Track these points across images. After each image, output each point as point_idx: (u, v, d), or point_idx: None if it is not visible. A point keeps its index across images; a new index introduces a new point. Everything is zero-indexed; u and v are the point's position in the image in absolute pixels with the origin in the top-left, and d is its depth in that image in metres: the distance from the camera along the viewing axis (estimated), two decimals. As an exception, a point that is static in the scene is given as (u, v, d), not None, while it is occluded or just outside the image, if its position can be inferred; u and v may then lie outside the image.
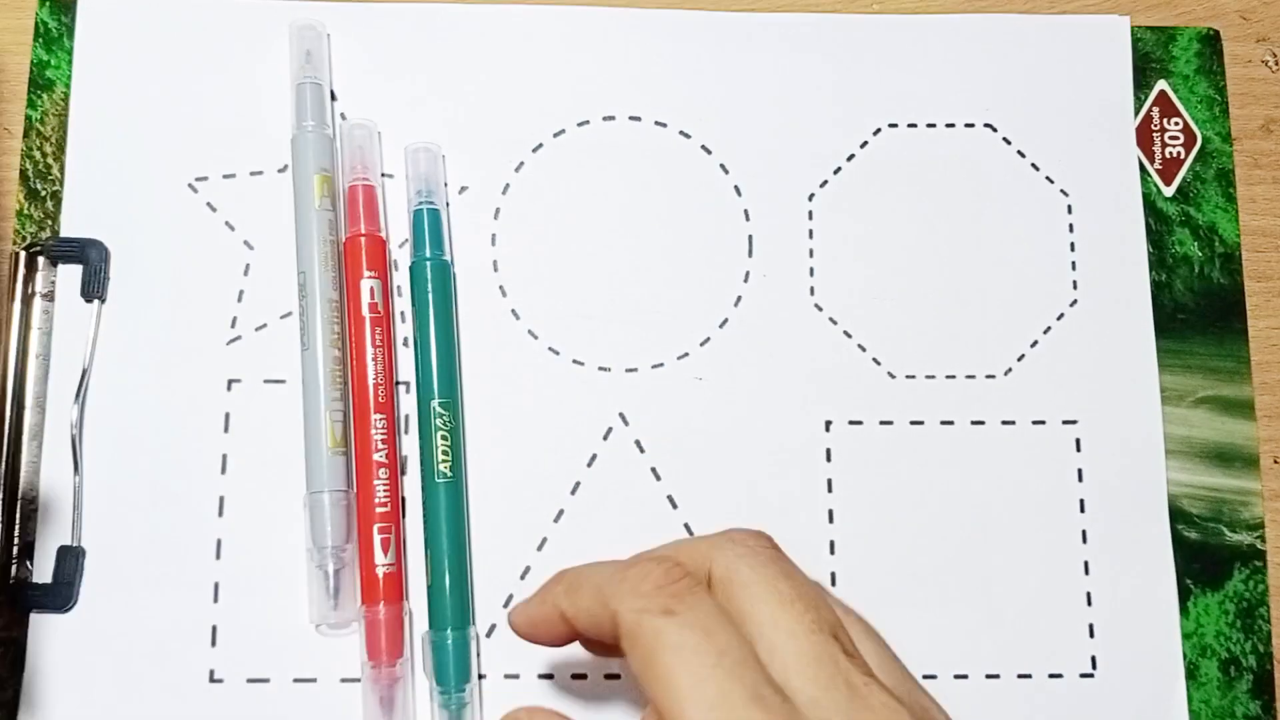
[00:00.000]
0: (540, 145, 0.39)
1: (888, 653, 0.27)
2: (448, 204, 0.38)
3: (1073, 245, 0.39)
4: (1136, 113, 0.40)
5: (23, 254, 0.37)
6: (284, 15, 0.39)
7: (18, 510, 0.35)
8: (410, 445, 0.37)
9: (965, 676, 0.36)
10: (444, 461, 0.35)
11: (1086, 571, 0.37)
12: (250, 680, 0.35)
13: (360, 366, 0.36)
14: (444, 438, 0.35)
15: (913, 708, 0.24)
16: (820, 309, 0.38)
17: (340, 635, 0.35)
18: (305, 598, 0.35)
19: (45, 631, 0.35)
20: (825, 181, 0.39)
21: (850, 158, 0.40)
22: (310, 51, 0.38)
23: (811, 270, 0.39)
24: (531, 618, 0.29)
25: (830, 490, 0.37)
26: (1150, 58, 0.41)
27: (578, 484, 0.37)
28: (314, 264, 0.36)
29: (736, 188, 0.39)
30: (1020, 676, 0.36)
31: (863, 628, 0.27)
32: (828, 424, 0.38)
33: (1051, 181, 0.40)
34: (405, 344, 0.37)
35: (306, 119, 0.37)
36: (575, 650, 0.35)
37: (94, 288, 0.37)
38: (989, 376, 0.38)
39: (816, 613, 0.25)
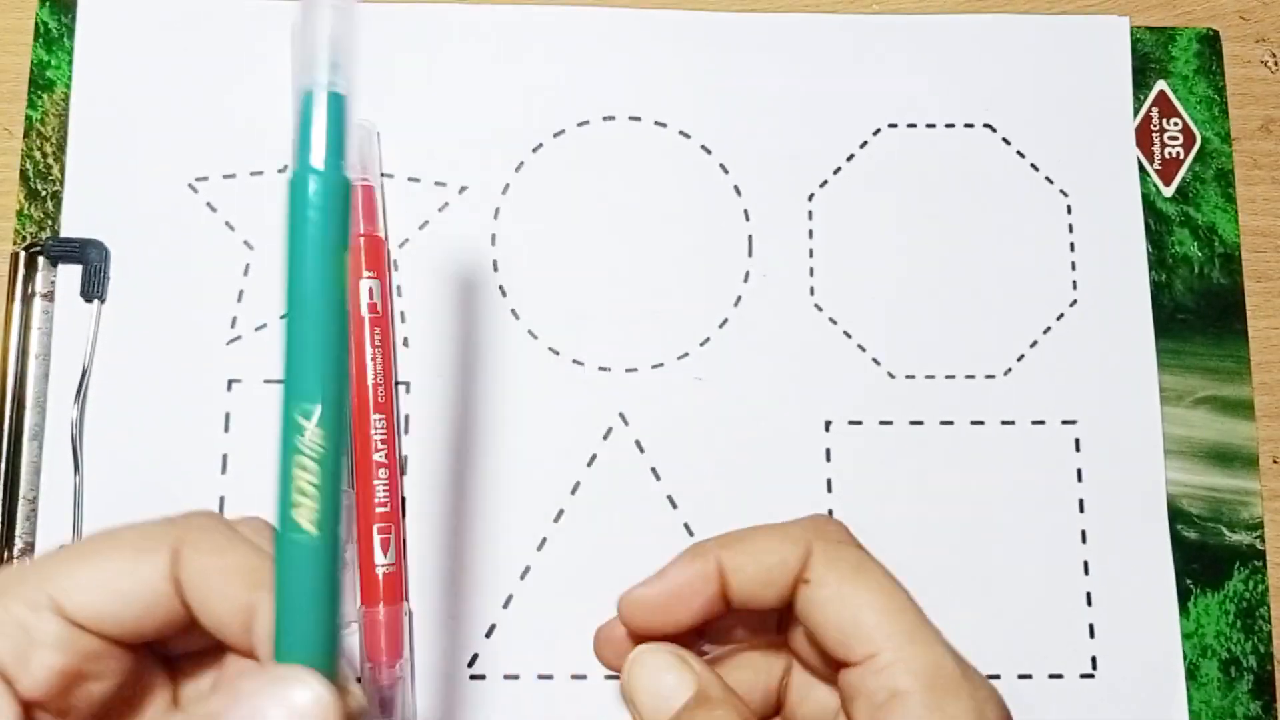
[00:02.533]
0: (540, 145, 0.39)
1: None
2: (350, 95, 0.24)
3: (1072, 245, 0.39)
4: (1136, 113, 0.40)
5: (22, 254, 0.37)
6: (284, 15, 0.39)
7: (18, 510, 0.35)
8: (410, 445, 0.37)
9: (965, 676, 0.36)
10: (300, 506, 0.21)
11: (1086, 572, 0.37)
12: (250, 680, 0.35)
13: (360, 367, 0.35)
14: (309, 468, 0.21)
15: None
16: (820, 309, 0.38)
17: (340, 635, 0.35)
18: (305, 598, 0.35)
19: (45, 631, 0.35)
20: (825, 181, 0.39)
21: (850, 158, 0.40)
22: (311, 51, 0.38)
23: (811, 270, 0.39)
24: (673, 590, 0.26)
25: (830, 490, 0.37)
26: (1150, 58, 0.41)
27: (578, 484, 0.37)
28: None
29: (736, 188, 0.39)
30: (1020, 677, 0.36)
31: None
32: (828, 424, 0.38)
33: (1051, 181, 0.40)
34: (405, 344, 0.37)
35: None
36: (575, 649, 0.35)
37: (94, 288, 0.37)
38: (989, 376, 0.38)
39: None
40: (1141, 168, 0.40)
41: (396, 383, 0.37)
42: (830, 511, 0.37)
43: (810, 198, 0.39)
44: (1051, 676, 0.36)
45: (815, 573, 0.25)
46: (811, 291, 0.39)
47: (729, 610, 0.26)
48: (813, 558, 0.25)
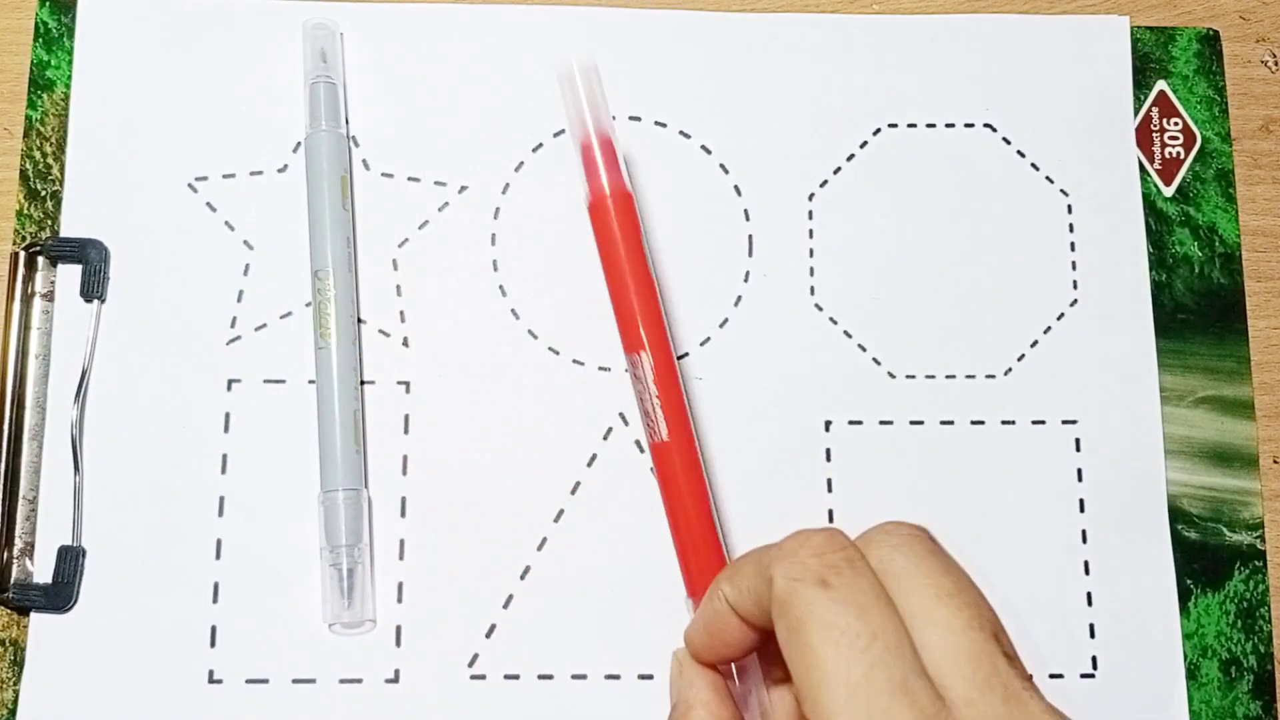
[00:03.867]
0: (540, 145, 0.39)
1: None
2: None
3: (1073, 245, 0.39)
4: (1136, 113, 0.40)
5: (22, 254, 0.37)
6: (283, 15, 0.39)
7: (18, 510, 0.35)
8: (410, 445, 0.37)
9: (965, 676, 0.36)
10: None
11: (1086, 571, 0.37)
12: (249, 681, 0.35)
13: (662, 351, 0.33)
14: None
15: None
16: (820, 309, 0.38)
17: (353, 635, 0.35)
18: (305, 598, 0.35)
19: (45, 631, 0.35)
20: (825, 181, 0.39)
21: (850, 158, 0.40)
22: (325, 50, 0.38)
23: (811, 270, 0.39)
24: (705, 626, 0.27)
25: (830, 490, 0.37)
26: (1150, 58, 0.41)
27: (578, 484, 0.37)
28: (334, 264, 0.36)
29: (736, 188, 0.39)
30: (1020, 676, 0.36)
31: None
32: (828, 424, 0.38)
33: (1051, 181, 0.40)
34: (405, 344, 0.37)
35: (321, 119, 0.37)
36: (575, 649, 0.35)
37: (94, 288, 0.37)
38: (989, 376, 0.38)
39: (976, 610, 0.23)
40: (1142, 168, 0.40)
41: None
42: (830, 512, 0.37)
43: (810, 198, 0.39)
44: (1051, 676, 0.36)
45: (774, 614, 0.24)
46: (811, 291, 0.39)
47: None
48: (773, 595, 0.24)
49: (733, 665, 0.29)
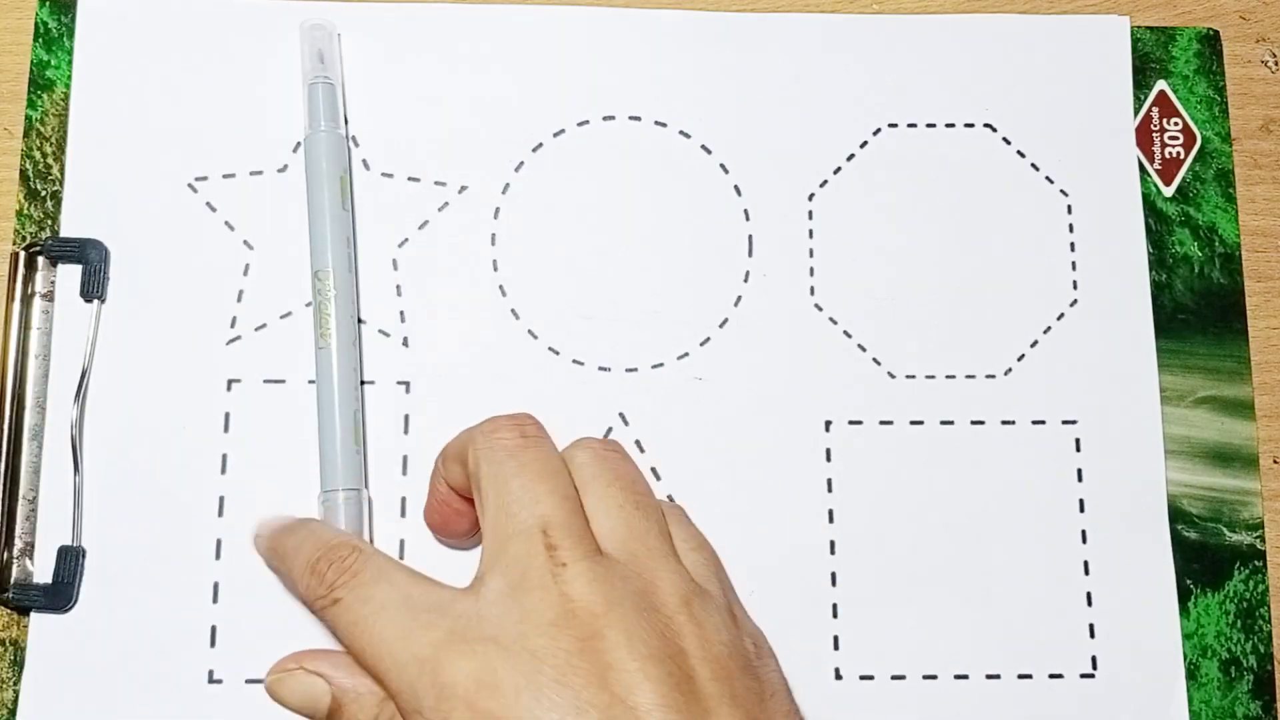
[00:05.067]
0: (540, 145, 0.39)
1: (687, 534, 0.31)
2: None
3: (1073, 245, 0.39)
4: (1136, 113, 0.40)
5: (22, 254, 0.37)
6: (284, 15, 0.39)
7: (18, 510, 0.35)
8: (410, 445, 0.37)
9: (965, 676, 0.36)
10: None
11: (1086, 572, 0.37)
12: (250, 680, 0.35)
13: None
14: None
15: (629, 579, 0.26)
16: (820, 309, 0.38)
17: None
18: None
19: (45, 631, 0.35)
20: (825, 181, 0.39)
21: (850, 158, 0.40)
22: (323, 51, 0.38)
23: (811, 270, 0.39)
24: (437, 507, 0.33)
25: (830, 490, 0.37)
26: (1150, 58, 0.41)
27: (578, 484, 0.37)
28: (334, 264, 0.36)
29: (736, 188, 0.39)
30: (1020, 677, 0.36)
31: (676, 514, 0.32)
32: (828, 424, 0.38)
33: (1051, 181, 0.40)
34: (405, 344, 0.37)
35: (320, 119, 0.37)
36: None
37: (93, 288, 0.37)
38: (989, 376, 0.38)
39: (532, 509, 0.27)
40: (1142, 168, 0.40)
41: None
42: (830, 512, 0.37)
43: (810, 198, 0.39)
44: (1051, 676, 0.36)
45: (472, 484, 0.30)
46: (811, 291, 0.39)
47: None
48: (469, 467, 0.30)
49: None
